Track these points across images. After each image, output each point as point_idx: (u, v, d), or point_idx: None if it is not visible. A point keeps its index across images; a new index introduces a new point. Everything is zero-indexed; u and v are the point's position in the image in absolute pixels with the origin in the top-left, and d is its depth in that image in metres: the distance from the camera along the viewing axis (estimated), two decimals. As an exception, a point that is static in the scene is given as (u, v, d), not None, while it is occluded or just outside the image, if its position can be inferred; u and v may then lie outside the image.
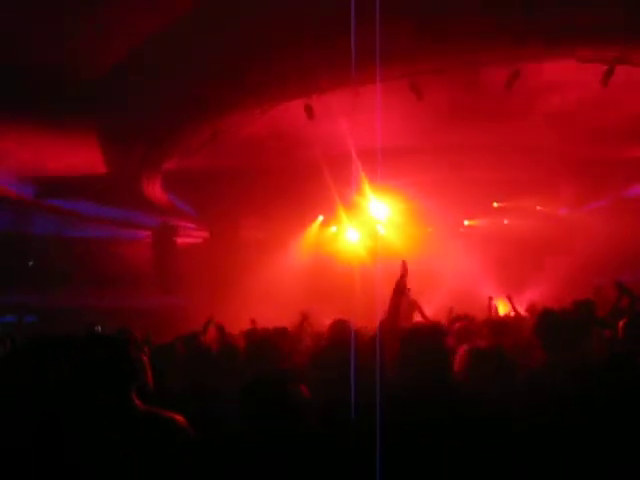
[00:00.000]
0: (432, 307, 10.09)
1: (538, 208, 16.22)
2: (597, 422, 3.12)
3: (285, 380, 2.84)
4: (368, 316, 7.42)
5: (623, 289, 5.83)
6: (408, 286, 10.93)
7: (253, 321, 8.26)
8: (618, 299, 6.36)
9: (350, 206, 14.11)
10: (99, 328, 7.27)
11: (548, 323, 3.82)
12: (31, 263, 16.70)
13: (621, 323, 4.43)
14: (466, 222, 17.07)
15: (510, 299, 9.84)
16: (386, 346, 3.88)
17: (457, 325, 6.40)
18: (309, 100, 9.01)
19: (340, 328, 5.57)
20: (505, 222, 16.79)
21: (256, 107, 9.06)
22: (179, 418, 2.52)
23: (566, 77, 8.99)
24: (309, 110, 9.17)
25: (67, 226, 16.64)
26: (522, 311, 9.26)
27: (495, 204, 16.12)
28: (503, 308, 10.75)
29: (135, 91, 8.73)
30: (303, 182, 12.16)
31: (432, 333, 3.38)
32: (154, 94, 8.65)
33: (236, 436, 2.74)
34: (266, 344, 4.99)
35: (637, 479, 2.89)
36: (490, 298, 10.09)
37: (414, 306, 10.54)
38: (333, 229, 16.74)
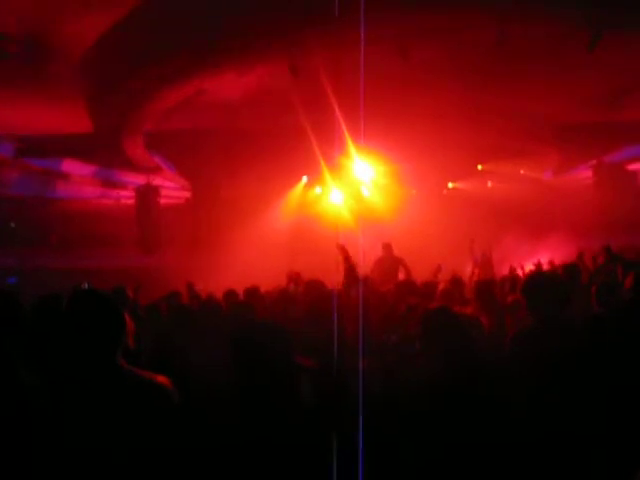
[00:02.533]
0: (417, 267, 10.15)
1: (522, 172, 16.25)
2: (584, 377, 3.22)
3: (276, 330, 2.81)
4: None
5: (612, 254, 5.88)
6: (390, 243, 10.90)
7: None
8: (605, 263, 6.41)
9: (334, 167, 14.05)
10: (86, 286, 7.21)
11: (536, 284, 3.87)
12: (13, 225, 16.53)
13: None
14: (450, 184, 17.09)
15: (472, 244, 11.01)
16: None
17: (441, 287, 6.47)
18: (294, 60, 8.89)
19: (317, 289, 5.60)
20: (489, 185, 16.83)
21: (239, 66, 8.94)
22: (164, 380, 2.50)
23: (550, 40, 8.92)
24: (294, 70, 9.05)
25: (48, 186, 16.46)
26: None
27: (479, 167, 16.14)
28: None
29: (118, 49, 8.59)
30: (287, 142, 12.05)
31: None
32: (136, 51, 8.51)
33: (222, 399, 2.73)
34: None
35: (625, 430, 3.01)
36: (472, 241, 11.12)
37: (399, 264, 10.53)
38: (317, 190, 16.70)
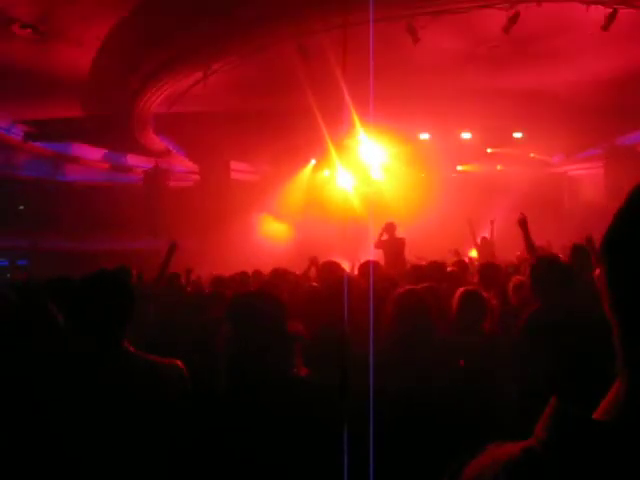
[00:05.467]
0: (426, 249, 10.14)
1: (532, 155, 16.12)
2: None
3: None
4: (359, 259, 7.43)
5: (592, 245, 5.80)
6: (393, 223, 10.72)
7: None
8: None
9: (343, 149, 13.97)
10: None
11: (543, 268, 3.87)
12: (21, 207, 16.60)
13: None
14: (459, 167, 16.99)
15: (470, 227, 11.03)
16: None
17: (449, 269, 6.47)
18: (302, 40, 8.83)
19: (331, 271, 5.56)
20: (498, 168, 16.72)
21: (248, 46, 8.89)
22: (174, 362, 2.47)
23: (565, 22, 8.82)
24: (303, 51, 8.99)
25: (58, 170, 16.50)
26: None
27: (489, 150, 16.02)
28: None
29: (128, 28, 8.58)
30: (295, 125, 11.99)
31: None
32: (147, 31, 8.49)
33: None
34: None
35: None
36: (492, 222, 11.54)
37: (402, 245, 10.28)
38: (325, 173, 16.65)
